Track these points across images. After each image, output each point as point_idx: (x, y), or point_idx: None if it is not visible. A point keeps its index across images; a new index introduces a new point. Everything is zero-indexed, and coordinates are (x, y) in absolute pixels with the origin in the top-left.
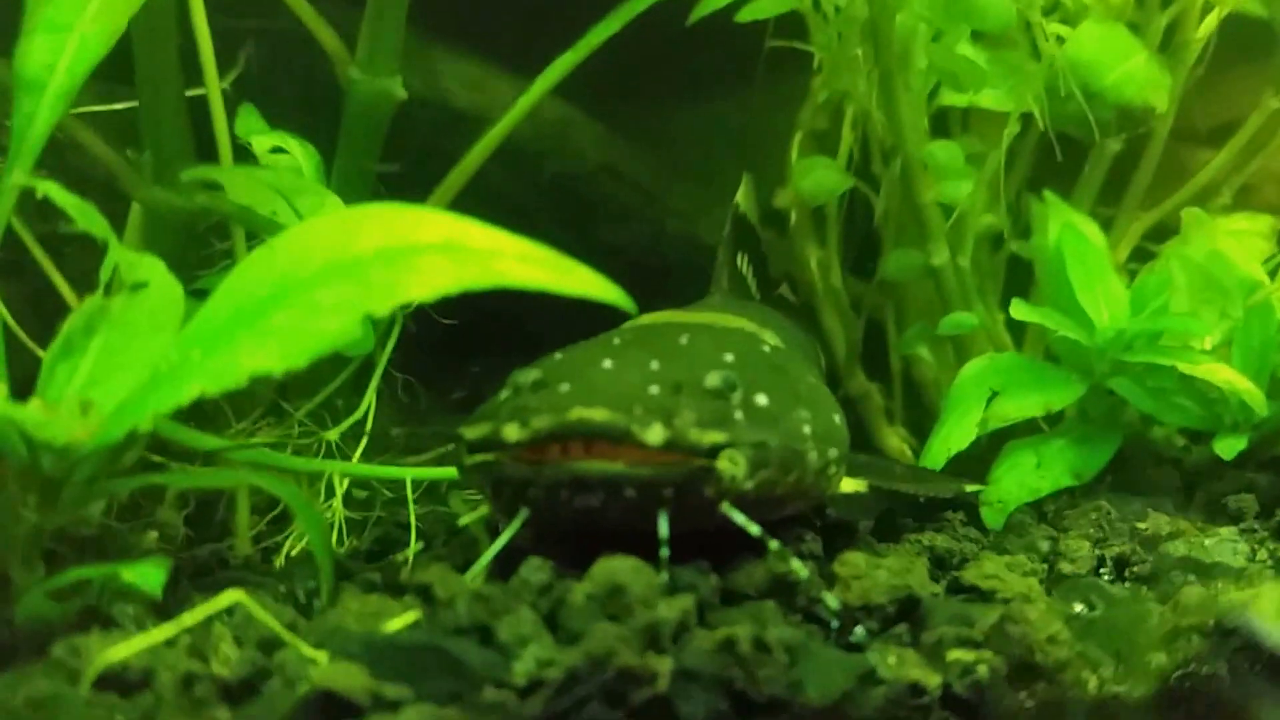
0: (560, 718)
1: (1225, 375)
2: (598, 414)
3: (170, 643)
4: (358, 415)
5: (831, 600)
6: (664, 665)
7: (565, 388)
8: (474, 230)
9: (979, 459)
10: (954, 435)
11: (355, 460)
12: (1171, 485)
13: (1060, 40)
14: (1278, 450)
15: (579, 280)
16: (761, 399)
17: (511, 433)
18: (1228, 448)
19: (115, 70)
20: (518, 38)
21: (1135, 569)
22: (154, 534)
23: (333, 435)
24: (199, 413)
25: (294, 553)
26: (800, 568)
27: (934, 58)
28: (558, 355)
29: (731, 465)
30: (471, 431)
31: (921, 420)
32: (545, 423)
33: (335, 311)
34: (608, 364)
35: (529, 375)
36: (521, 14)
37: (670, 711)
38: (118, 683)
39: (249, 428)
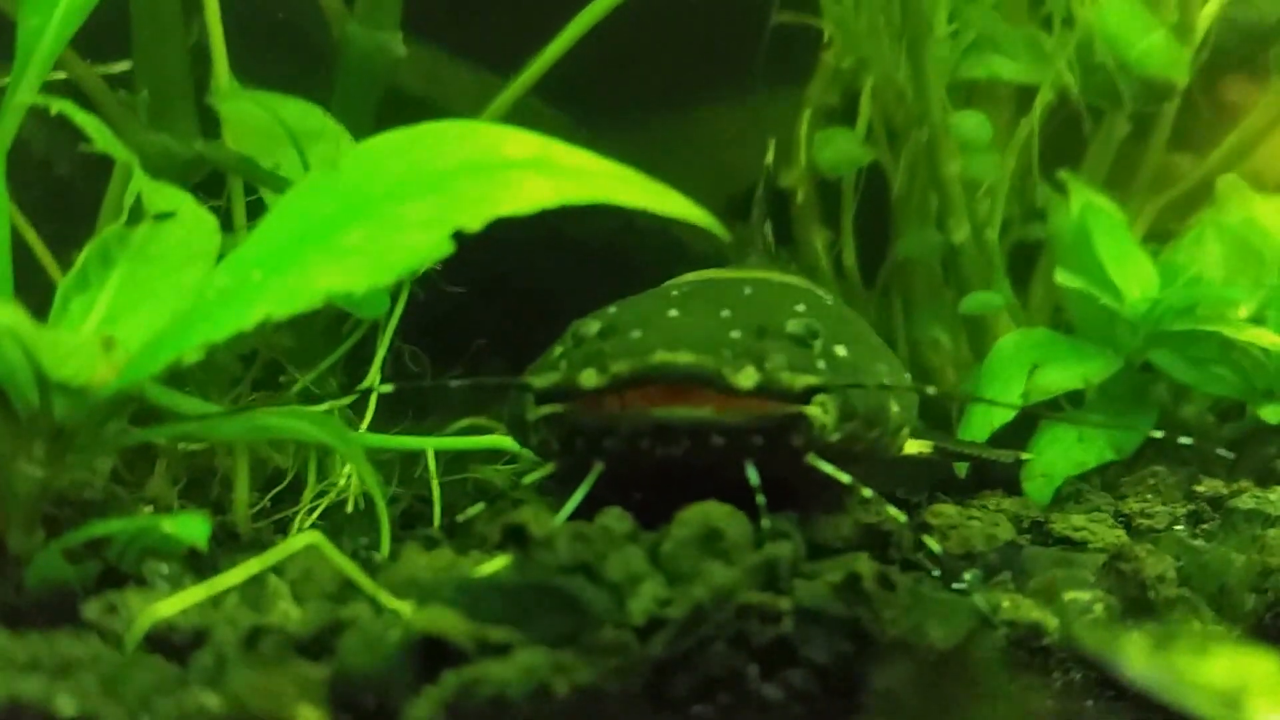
0: (683, 660)
1: (1270, 339)
2: (683, 357)
3: (215, 602)
4: (376, 385)
5: (933, 543)
6: (785, 604)
7: (638, 334)
8: (563, 148)
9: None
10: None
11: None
12: (1212, 455)
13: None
14: None
15: (673, 203)
16: (841, 349)
17: (589, 379)
18: (1273, 413)
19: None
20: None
21: (1206, 525)
22: (148, 509)
23: (343, 402)
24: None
25: (303, 526)
26: (898, 514)
27: (972, 20)
28: (613, 309)
29: (822, 413)
30: (541, 380)
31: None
32: (625, 367)
33: (422, 226)
34: (675, 313)
35: (592, 325)
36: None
37: (793, 653)
38: (164, 644)
39: (242, 400)
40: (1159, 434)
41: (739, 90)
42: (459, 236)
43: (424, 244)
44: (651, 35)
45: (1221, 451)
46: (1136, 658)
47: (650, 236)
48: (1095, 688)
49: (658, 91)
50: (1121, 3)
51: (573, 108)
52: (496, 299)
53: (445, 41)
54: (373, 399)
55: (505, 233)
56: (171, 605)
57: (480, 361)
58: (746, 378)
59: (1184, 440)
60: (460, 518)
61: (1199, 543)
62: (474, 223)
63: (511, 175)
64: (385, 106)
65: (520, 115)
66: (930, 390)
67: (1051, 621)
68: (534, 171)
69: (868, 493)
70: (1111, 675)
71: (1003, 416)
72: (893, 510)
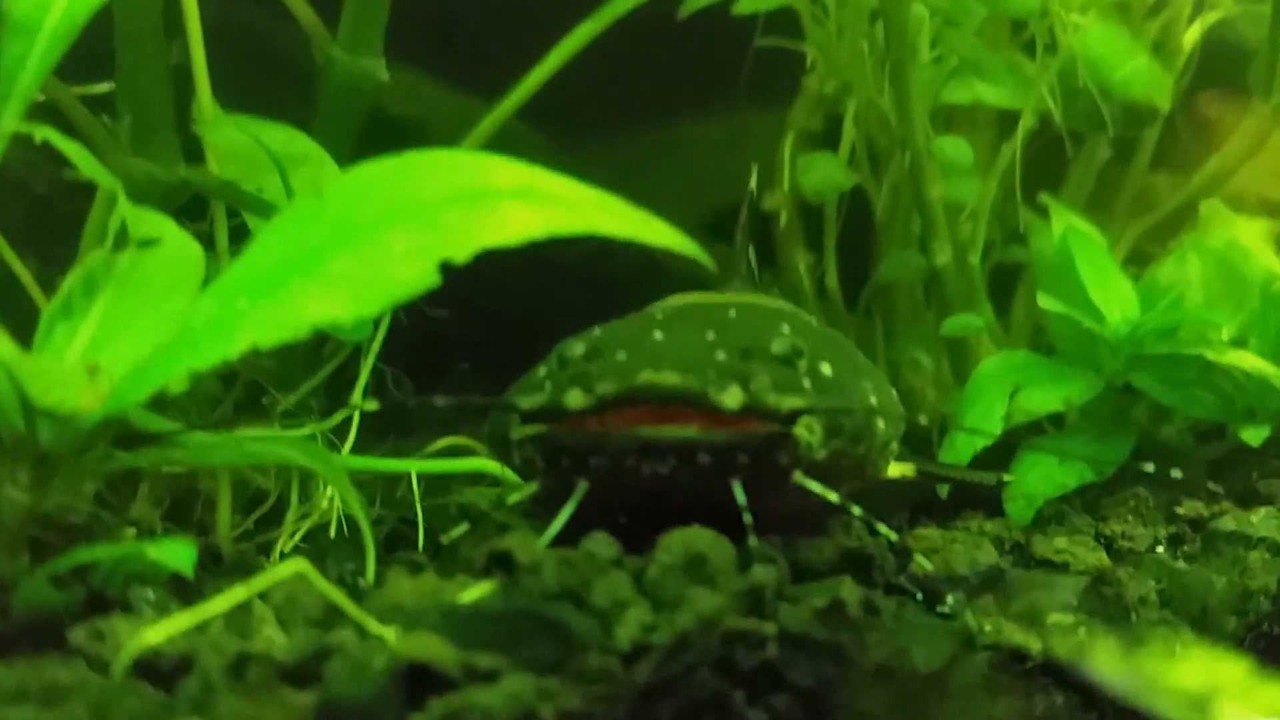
0: (669, 686)
1: (1251, 361)
2: (669, 377)
3: (201, 628)
4: (359, 404)
5: (925, 562)
6: (770, 629)
7: (623, 355)
8: (549, 177)
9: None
10: (979, 429)
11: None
12: (1194, 477)
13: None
14: None
15: (659, 232)
16: (825, 368)
17: (574, 399)
18: (1254, 435)
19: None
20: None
21: (1187, 547)
22: (131, 530)
23: (326, 425)
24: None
25: (286, 549)
26: (888, 531)
27: (956, 46)
28: (598, 330)
29: (808, 431)
30: (526, 400)
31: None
32: (611, 387)
33: (409, 257)
34: (659, 335)
35: (576, 347)
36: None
37: (778, 678)
38: (150, 670)
39: (224, 422)
40: (1150, 466)
41: (721, 111)
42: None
43: (411, 274)
44: (633, 55)
45: (1211, 485)
46: (1106, 663)
47: (630, 259)
48: (1078, 711)
49: (639, 111)
50: (1104, 28)
51: (553, 127)
52: (478, 322)
53: (427, 65)
54: (355, 421)
55: (486, 256)
56: (158, 632)
57: (462, 383)
58: (731, 398)
59: (1175, 474)
60: (444, 539)
61: (1180, 565)
62: (461, 253)
63: (498, 205)
64: (366, 130)
65: (500, 137)
66: (921, 419)
67: (1034, 644)
68: (521, 201)
69: (857, 510)
70: (1083, 684)
71: (985, 439)
72: (883, 527)
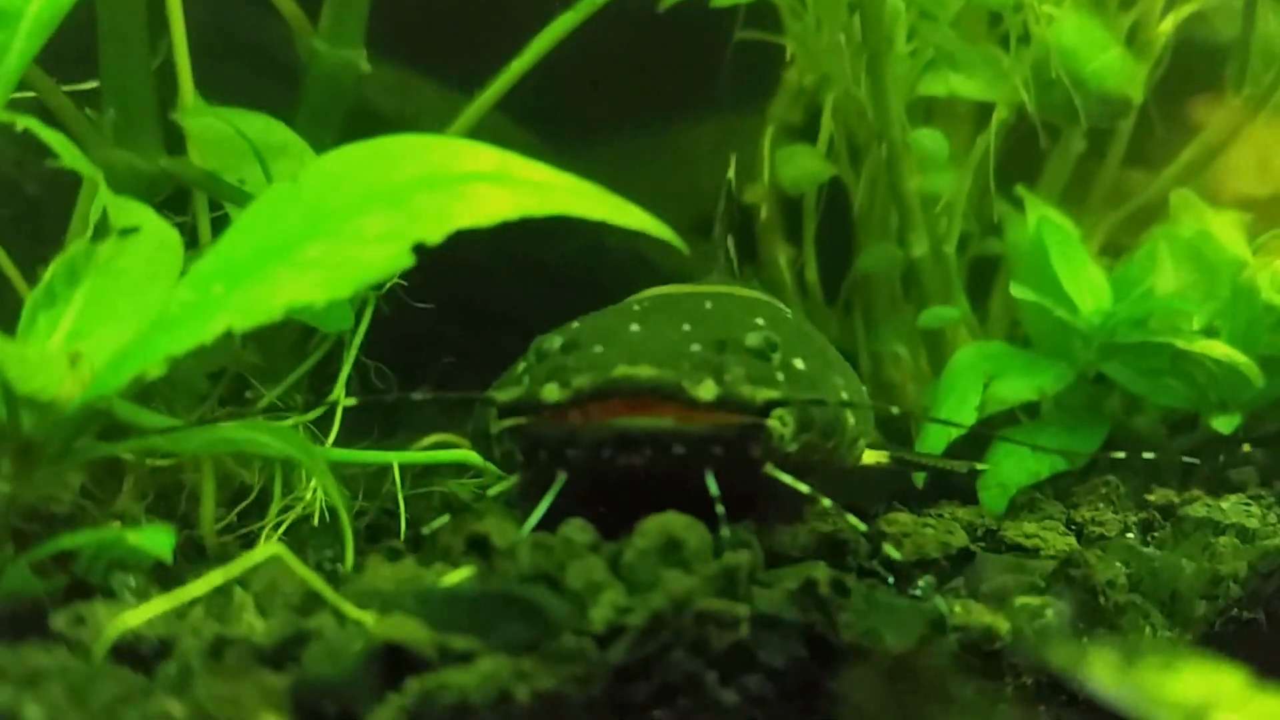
0: (643, 666)
1: (1221, 350)
2: (644, 371)
3: (180, 614)
4: (340, 399)
5: (893, 551)
6: (743, 611)
7: (600, 349)
8: (522, 162)
9: None
10: (953, 419)
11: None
12: (1166, 465)
13: (1047, 23)
14: (1268, 427)
15: (631, 215)
16: (799, 362)
17: (551, 393)
18: (1225, 423)
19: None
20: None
21: (1157, 533)
22: (116, 524)
23: (309, 417)
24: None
25: (270, 541)
26: (857, 522)
27: (932, 38)
28: (576, 324)
29: (781, 425)
30: (504, 394)
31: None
32: (587, 381)
33: (382, 240)
34: (636, 327)
35: (554, 341)
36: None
37: (750, 659)
38: (130, 655)
39: (204, 415)
40: (1121, 455)
41: (703, 108)
42: (429, 254)
43: (384, 257)
44: (616, 54)
45: (1187, 459)
46: (1103, 674)
47: (618, 255)
48: (1046, 692)
49: (622, 109)
50: (1077, 20)
51: (539, 126)
52: (464, 318)
53: (418, 62)
54: (338, 414)
55: (475, 253)
56: (138, 616)
57: (448, 379)
58: (706, 390)
59: (1147, 455)
60: (425, 530)
61: (1149, 550)
62: (433, 236)
63: (470, 188)
64: (350, 123)
65: (486, 133)
66: (893, 410)
67: (1003, 626)
68: (493, 184)
69: (826, 502)
70: (1070, 686)
71: (959, 428)
72: (852, 518)
